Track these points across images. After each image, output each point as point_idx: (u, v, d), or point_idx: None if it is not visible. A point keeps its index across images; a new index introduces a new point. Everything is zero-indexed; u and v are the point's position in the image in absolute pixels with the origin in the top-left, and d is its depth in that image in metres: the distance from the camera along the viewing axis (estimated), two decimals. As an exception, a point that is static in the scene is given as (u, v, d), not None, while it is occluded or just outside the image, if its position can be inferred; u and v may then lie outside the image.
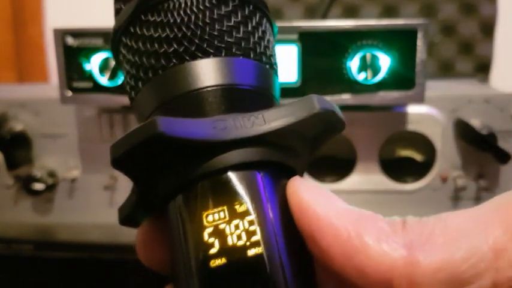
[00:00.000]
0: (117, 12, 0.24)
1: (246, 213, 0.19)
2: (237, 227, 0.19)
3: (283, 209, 0.20)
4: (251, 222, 0.19)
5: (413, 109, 0.56)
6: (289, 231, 0.20)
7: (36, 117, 0.59)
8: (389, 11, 0.90)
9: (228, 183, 0.19)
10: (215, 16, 0.22)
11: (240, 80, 0.21)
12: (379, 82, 0.50)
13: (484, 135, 0.52)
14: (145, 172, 0.20)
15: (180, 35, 0.21)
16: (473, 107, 0.55)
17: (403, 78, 0.50)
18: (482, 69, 0.90)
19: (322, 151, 0.58)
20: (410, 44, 0.50)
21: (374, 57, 0.49)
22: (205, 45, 0.21)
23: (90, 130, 0.58)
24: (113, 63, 0.50)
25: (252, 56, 0.22)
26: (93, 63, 0.51)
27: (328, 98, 0.51)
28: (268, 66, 0.23)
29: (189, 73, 0.21)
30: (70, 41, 0.52)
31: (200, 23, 0.21)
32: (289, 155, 0.21)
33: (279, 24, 0.51)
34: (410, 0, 0.90)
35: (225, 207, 0.19)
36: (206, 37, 0.21)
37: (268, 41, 0.24)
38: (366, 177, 0.57)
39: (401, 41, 0.50)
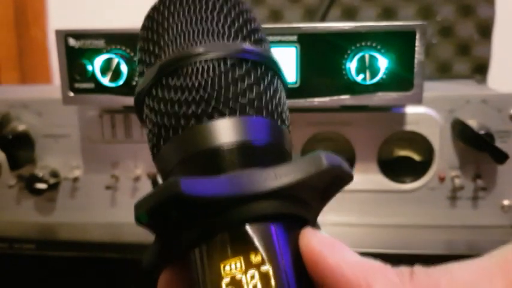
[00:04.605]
0: (140, 74, 0.26)
1: (261, 263, 0.20)
2: (252, 276, 0.20)
3: (296, 259, 0.21)
4: (266, 272, 0.20)
5: (411, 110, 0.56)
6: (302, 280, 0.21)
7: (38, 117, 0.59)
8: (387, 13, 0.91)
9: (243, 235, 0.21)
10: (230, 79, 0.23)
11: (254, 137, 0.23)
12: (378, 83, 0.51)
13: (481, 135, 0.53)
14: (167, 226, 0.22)
15: (197, 97, 0.23)
16: (471, 108, 0.56)
17: (402, 79, 0.51)
18: (480, 70, 0.90)
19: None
20: (409, 45, 0.50)
21: (372, 59, 0.49)
22: (221, 107, 0.23)
23: (92, 130, 0.59)
24: (114, 64, 0.51)
25: (264, 114, 0.24)
26: (95, 65, 0.51)
27: (327, 98, 0.52)
28: (280, 121, 0.25)
29: (206, 132, 0.23)
30: (72, 42, 0.52)
31: (216, 86, 0.23)
32: (301, 207, 0.23)
33: (278, 25, 0.51)
34: (409, 2, 0.90)
35: (241, 258, 0.20)
36: (222, 99, 0.23)
37: (280, 98, 0.25)
38: (365, 177, 0.58)
39: (399, 43, 0.50)
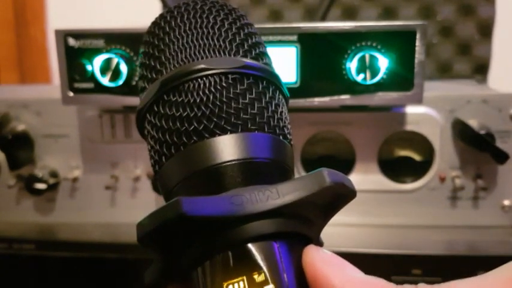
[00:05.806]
0: (142, 90, 0.26)
1: (264, 282, 0.20)
2: None
3: (299, 277, 0.21)
4: None
5: (411, 109, 0.56)
6: None
7: (38, 117, 0.59)
8: (388, 13, 0.91)
9: (246, 254, 0.21)
10: (231, 95, 0.23)
11: (256, 154, 0.23)
12: (378, 83, 0.51)
13: (482, 135, 0.52)
14: (169, 246, 0.22)
15: (199, 114, 0.23)
16: (471, 108, 0.56)
17: (402, 79, 0.51)
18: (480, 70, 0.90)
19: (322, 151, 0.59)
20: (409, 45, 0.50)
21: (373, 58, 0.49)
22: (222, 123, 0.23)
23: (91, 130, 0.59)
24: (114, 64, 0.51)
25: (266, 129, 0.24)
26: (94, 64, 0.51)
27: (327, 98, 0.52)
28: (282, 137, 0.25)
29: (208, 149, 0.23)
30: (72, 42, 0.52)
31: (218, 102, 0.23)
32: (304, 224, 0.22)
33: (278, 25, 0.51)
34: (409, 1, 0.90)
35: (244, 277, 0.20)
36: (223, 115, 0.23)
37: (281, 112, 0.25)
38: (365, 177, 0.57)
39: (400, 42, 0.50)
